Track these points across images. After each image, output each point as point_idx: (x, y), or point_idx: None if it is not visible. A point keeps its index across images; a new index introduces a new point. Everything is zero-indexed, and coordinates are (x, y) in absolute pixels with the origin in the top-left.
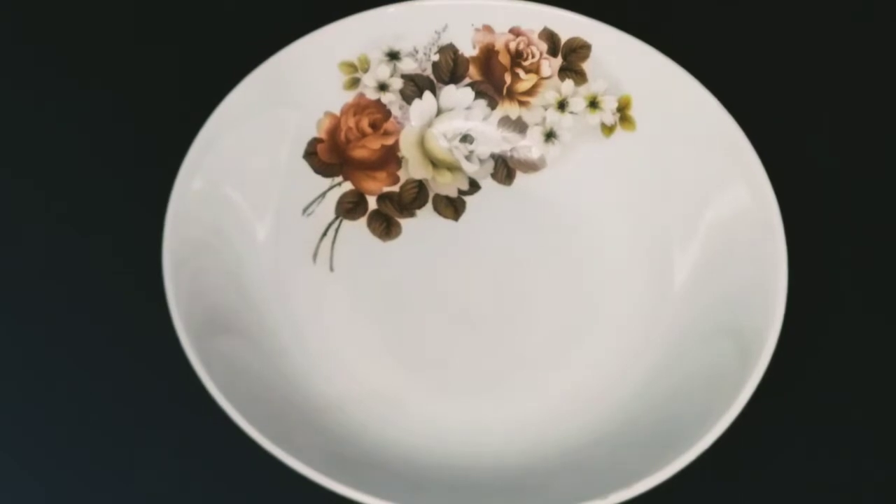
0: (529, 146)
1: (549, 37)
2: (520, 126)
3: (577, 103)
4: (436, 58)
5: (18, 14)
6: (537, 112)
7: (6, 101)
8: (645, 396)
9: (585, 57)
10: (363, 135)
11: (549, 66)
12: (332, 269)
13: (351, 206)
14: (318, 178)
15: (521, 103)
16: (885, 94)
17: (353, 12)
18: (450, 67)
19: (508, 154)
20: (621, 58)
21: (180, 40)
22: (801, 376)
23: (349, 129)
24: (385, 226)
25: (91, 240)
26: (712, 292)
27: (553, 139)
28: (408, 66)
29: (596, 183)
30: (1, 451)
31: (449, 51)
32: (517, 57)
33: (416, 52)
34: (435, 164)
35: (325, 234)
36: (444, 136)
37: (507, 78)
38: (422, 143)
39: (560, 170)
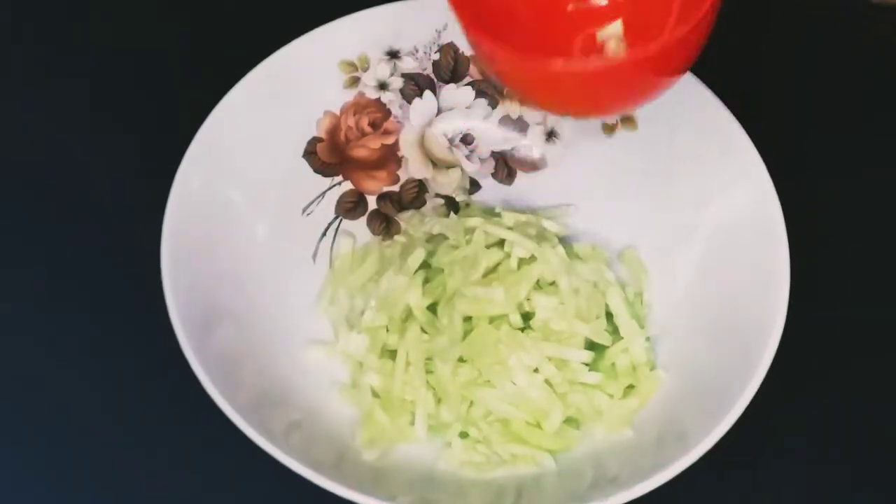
0: (530, 145)
1: None
2: (520, 125)
3: None
4: (436, 56)
5: (18, 13)
6: (538, 111)
7: (6, 101)
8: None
9: None
10: (363, 134)
11: None
12: (331, 268)
13: (351, 206)
14: (318, 177)
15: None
16: (886, 93)
17: (352, 11)
18: (450, 66)
19: (509, 153)
20: None
21: (180, 39)
22: (803, 377)
23: (349, 128)
24: (385, 225)
25: (90, 239)
26: (715, 292)
27: (554, 138)
28: (408, 64)
29: (597, 182)
30: None
31: (449, 49)
32: None
33: (417, 50)
34: (435, 163)
35: (324, 233)
36: (445, 135)
37: None
38: (422, 143)
39: (561, 169)
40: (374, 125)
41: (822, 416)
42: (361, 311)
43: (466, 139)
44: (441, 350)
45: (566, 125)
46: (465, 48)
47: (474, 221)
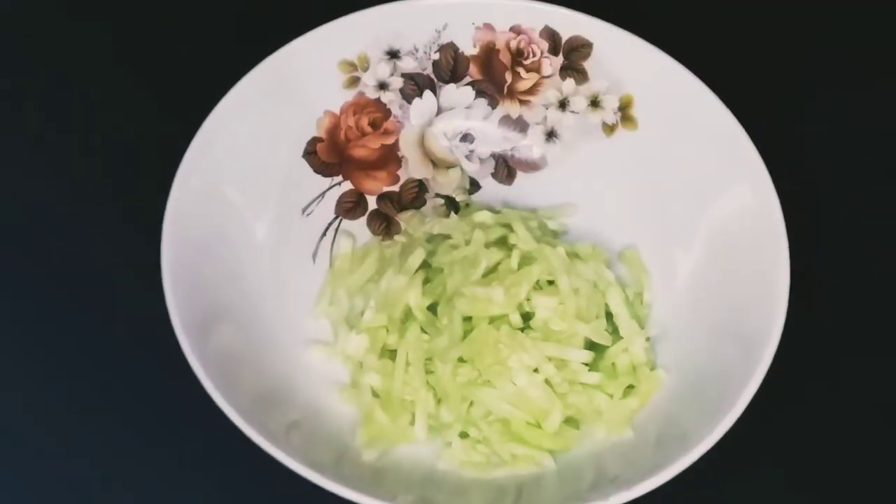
0: (530, 145)
1: (550, 35)
2: (520, 125)
3: (579, 102)
4: (436, 56)
5: (17, 14)
6: (538, 111)
7: (5, 100)
8: None
9: (587, 55)
10: (363, 134)
11: (550, 64)
12: (331, 268)
13: (351, 206)
14: (318, 177)
15: (522, 102)
16: (886, 93)
17: (352, 11)
18: (450, 66)
19: (509, 153)
20: (623, 56)
21: (180, 38)
22: (803, 377)
23: (349, 128)
24: (385, 225)
25: (90, 239)
26: (714, 292)
27: (554, 138)
28: (408, 64)
29: (597, 182)
30: None
31: (449, 49)
32: (518, 55)
33: (417, 50)
34: (435, 163)
35: (324, 233)
36: (445, 135)
37: (508, 77)
38: (422, 143)
39: (561, 169)
40: (374, 125)
41: (823, 415)
42: (361, 312)
43: (466, 139)
44: (441, 350)
45: (566, 125)
46: (465, 48)
47: (482, 216)
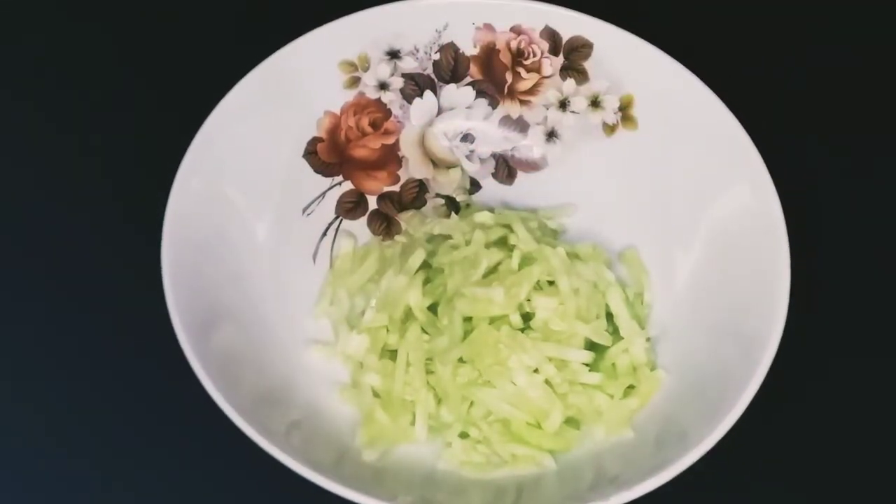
0: (530, 145)
1: (551, 35)
2: (521, 125)
3: (579, 102)
4: (436, 56)
5: (17, 14)
6: (538, 111)
7: (5, 101)
8: None
9: (587, 56)
10: (363, 134)
11: (551, 64)
12: (332, 268)
13: (351, 206)
14: (319, 177)
15: (523, 102)
16: (886, 93)
17: (352, 11)
18: (450, 66)
19: (509, 153)
20: (623, 57)
21: (180, 39)
22: (804, 377)
23: (349, 128)
24: (385, 225)
25: (90, 239)
26: (714, 292)
27: (554, 138)
28: (408, 64)
29: (597, 182)
30: None
31: (450, 49)
32: (518, 56)
33: (417, 50)
34: (435, 163)
35: (325, 233)
36: (445, 135)
37: (509, 77)
38: (422, 143)
39: (561, 169)
40: (375, 125)
41: (823, 416)
42: (362, 312)
43: (467, 139)
44: (441, 350)
45: (566, 126)
46: (466, 48)
47: (482, 216)
